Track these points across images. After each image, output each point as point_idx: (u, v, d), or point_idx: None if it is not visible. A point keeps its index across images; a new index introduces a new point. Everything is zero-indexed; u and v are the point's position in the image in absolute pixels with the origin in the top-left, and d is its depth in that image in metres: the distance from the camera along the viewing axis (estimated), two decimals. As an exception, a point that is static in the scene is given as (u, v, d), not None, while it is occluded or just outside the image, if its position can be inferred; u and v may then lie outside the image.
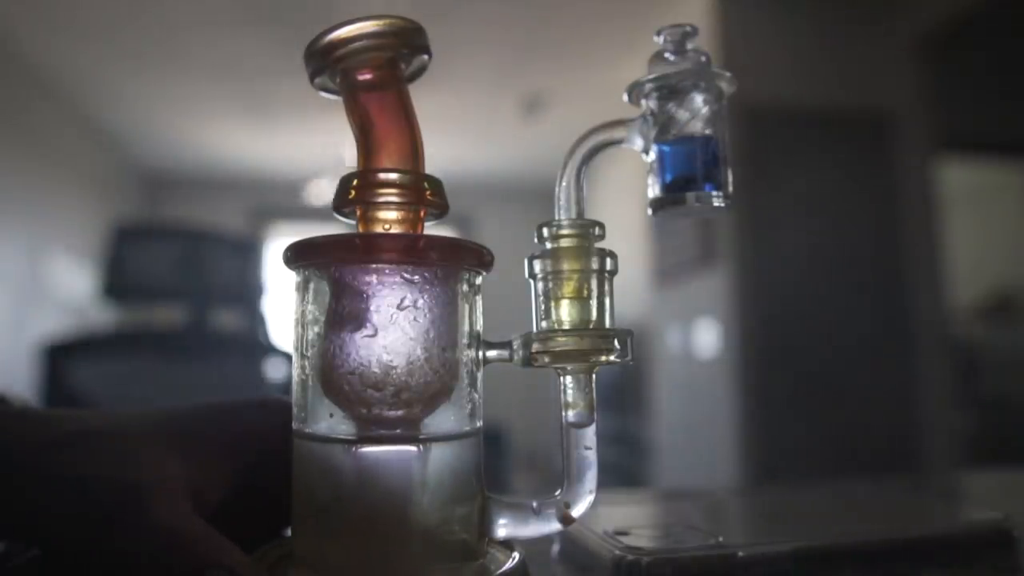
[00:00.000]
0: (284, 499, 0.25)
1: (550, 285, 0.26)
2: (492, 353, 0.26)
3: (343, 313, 0.23)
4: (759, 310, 2.49)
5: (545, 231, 0.26)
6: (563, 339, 0.25)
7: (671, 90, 0.26)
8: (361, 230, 0.24)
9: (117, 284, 1.29)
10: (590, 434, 0.25)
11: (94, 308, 3.26)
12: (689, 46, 0.26)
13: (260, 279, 1.46)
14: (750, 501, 0.43)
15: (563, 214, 0.26)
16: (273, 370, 1.22)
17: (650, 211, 0.27)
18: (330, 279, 0.24)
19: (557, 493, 0.25)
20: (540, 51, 3.21)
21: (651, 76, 0.26)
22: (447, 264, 0.24)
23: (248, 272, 1.45)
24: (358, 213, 0.24)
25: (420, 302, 0.23)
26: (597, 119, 0.27)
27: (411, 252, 0.23)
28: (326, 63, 0.24)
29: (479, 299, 0.25)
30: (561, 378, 0.26)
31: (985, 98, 3.15)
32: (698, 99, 0.26)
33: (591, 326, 0.25)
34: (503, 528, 0.25)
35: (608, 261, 0.26)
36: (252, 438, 0.27)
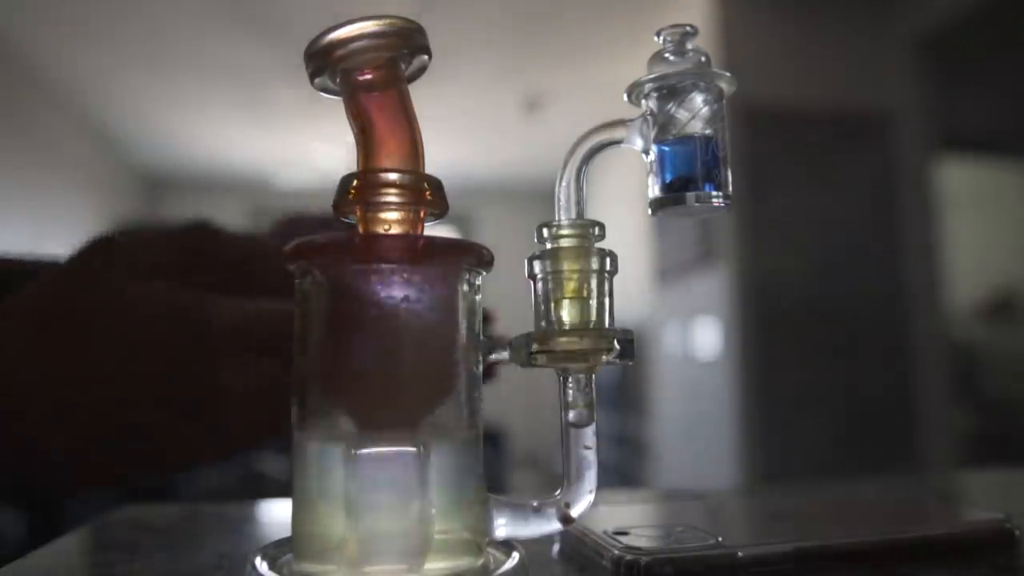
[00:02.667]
0: None
1: (550, 285, 0.26)
2: (492, 353, 0.26)
3: (343, 313, 0.23)
4: (759, 310, 2.49)
5: (545, 231, 0.26)
6: (563, 339, 0.25)
7: (671, 90, 0.26)
8: (361, 230, 0.24)
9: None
10: (590, 434, 0.25)
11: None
12: (689, 46, 0.26)
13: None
14: (750, 501, 0.43)
15: (563, 214, 0.26)
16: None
17: (650, 211, 0.27)
18: (330, 279, 0.24)
19: (557, 493, 0.25)
20: (540, 51, 3.21)
21: (651, 76, 0.26)
22: (447, 264, 0.24)
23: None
24: (358, 213, 0.24)
25: (420, 302, 0.23)
26: (597, 119, 0.27)
27: (411, 252, 0.23)
28: (326, 63, 0.24)
29: (479, 299, 0.25)
30: (561, 378, 0.26)
31: (985, 98, 3.15)
32: (698, 99, 0.26)
33: (591, 326, 0.25)
34: (503, 528, 0.25)
35: (608, 261, 0.26)
36: None
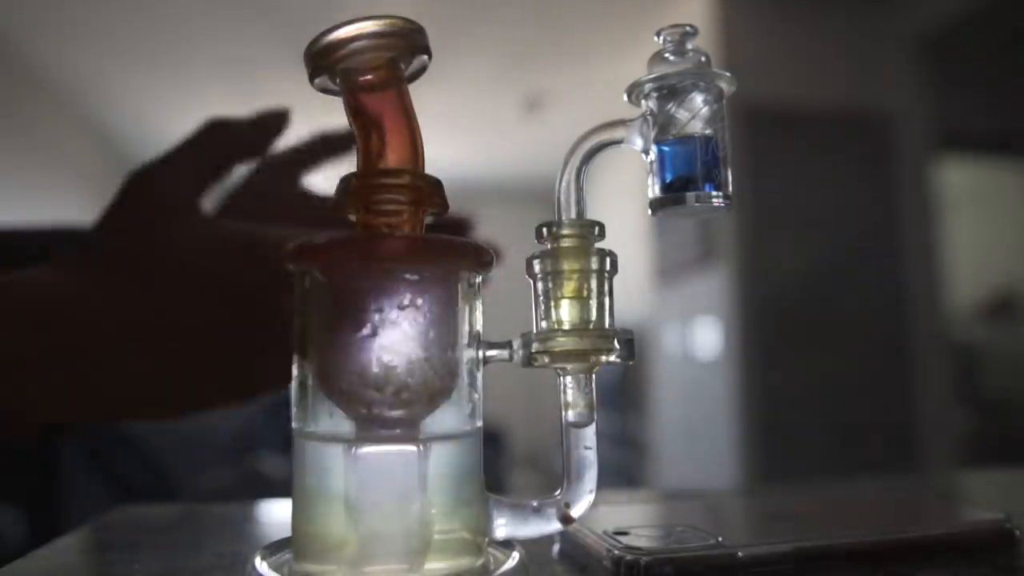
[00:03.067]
0: None
1: (550, 285, 0.26)
2: (492, 353, 0.26)
3: (343, 313, 0.23)
4: (759, 310, 2.49)
5: (545, 231, 0.26)
6: (563, 339, 0.25)
7: (671, 90, 0.26)
8: (361, 230, 0.24)
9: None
10: (590, 434, 0.25)
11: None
12: (689, 46, 0.26)
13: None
14: (750, 501, 0.43)
15: (563, 214, 0.26)
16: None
17: (650, 211, 0.27)
18: (330, 279, 0.24)
19: (557, 493, 0.25)
20: (540, 51, 3.21)
21: (651, 76, 0.26)
22: (447, 264, 0.24)
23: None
24: (358, 213, 0.24)
25: (420, 302, 0.23)
26: (597, 119, 0.27)
27: (411, 252, 0.23)
28: (326, 63, 0.24)
29: (479, 299, 0.25)
30: (561, 378, 0.26)
31: (985, 98, 3.14)
32: (698, 99, 0.26)
33: (591, 326, 0.25)
34: (503, 528, 0.25)
35: (608, 261, 0.26)
36: None
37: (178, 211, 0.32)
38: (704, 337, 2.70)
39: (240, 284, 0.31)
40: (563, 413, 0.26)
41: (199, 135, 0.35)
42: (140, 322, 0.30)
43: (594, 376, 0.26)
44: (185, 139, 0.34)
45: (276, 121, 0.37)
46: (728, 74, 0.26)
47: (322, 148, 0.43)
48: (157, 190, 0.33)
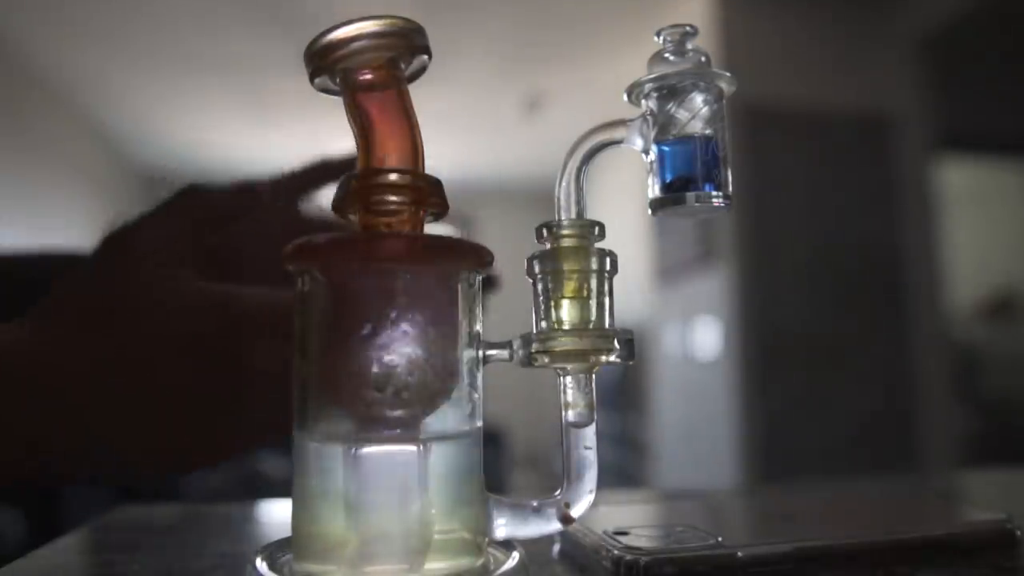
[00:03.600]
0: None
1: (550, 285, 0.26)
2: (492, 353, 0.26)
3: (343, 313, 0.23)
4: (759, 310, 2.49)
5: (545, 231, 0.26)
6: (563, 339, 0.25)
7: (671, 90, 0.26)
8: (361, 230, 0.24)
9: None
10: (590, 434, 0.25)
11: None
12: (689, 46, 0.26)
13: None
14: (750, 501, 0.43)
15: (563, 214, 0.26)
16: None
17: (650, 211, 0.27)
18: (330, 279, 0.24)
19: (557, 493, 0.25)
20: (540, 51, 3.21)
21: (651, 76, 0.26)
22: (447, 264, 0.24)
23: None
24: (358, 213, 0.24)
25: (420, 302, 0.23)
26: (597, 119, 0.27)
27: (411, 252, 0.23)
28: (326, 63, 0.24)
29: (479, 299, 0.25)
30: (561, 378, 0.26)
31: (985, 98, 3.15)
32: (698, 99, 0.26)
33: (591, 326, 0.25)
34: (503, 528, 0.25)
35: (608, 261, 0.26)
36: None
37: (152, 272, 0.32)
38: (704, 337, 2.70)
39: (215, 343, 0.31)
40: (563, 413, 0.26)
41: (175, 199, 0.35)
42: (115, 381, 0.30)
43: (594, 376, 0.26)
44: (161, 202, 0.34)
45: (252, 192, 0.38)
46: (728, 74, 0.26)
47: (323, 175, 0.43)
48: (132, 253, 0.33)
